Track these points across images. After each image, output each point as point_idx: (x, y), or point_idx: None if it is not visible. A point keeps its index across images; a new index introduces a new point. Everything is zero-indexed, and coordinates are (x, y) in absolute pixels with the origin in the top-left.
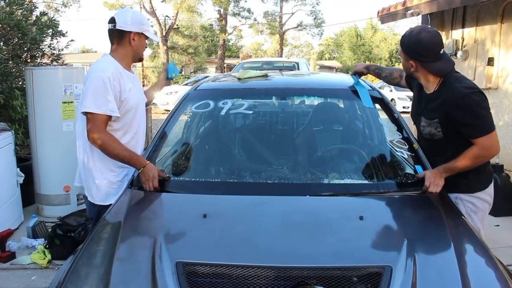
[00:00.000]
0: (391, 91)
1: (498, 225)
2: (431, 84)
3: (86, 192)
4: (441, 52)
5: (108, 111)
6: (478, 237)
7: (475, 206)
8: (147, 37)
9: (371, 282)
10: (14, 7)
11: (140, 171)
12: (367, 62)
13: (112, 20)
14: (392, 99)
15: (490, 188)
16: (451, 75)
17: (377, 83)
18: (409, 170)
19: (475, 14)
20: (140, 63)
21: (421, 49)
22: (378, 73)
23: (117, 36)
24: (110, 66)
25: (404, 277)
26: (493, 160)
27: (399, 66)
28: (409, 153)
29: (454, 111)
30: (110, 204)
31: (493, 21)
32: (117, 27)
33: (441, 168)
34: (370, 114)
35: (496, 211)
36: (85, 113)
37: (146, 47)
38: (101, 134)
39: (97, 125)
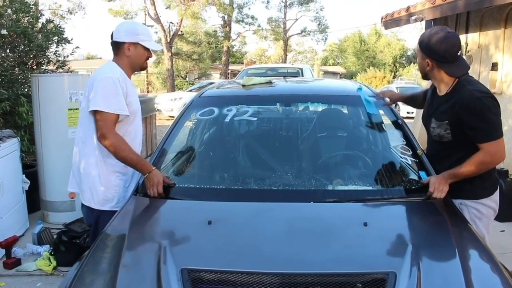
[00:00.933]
0: None
1: (503, 231)
2: (444, 86)
3: (82, 196)
4: (459, 54)
5: (118, 110)
6: (483, 243)
7: (480, 212)
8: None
9: None
10: (20, 14)
11: (145, 176)
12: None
13: (112, 34)
14: (396, 105)
15: (496, 195)
16: (465, 78)
17: (380, 88)
18: (413, 176)
19: (478, 20)
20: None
21: (439, 49)
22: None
23: (115, 47)
24: (117, 69)
25: (408, 283)
26: (498, 165)
27: (403, 71)
28: (413, 159)
29: (464, 114)
30: (108, 210)
31: (497, 26)
32: (113, 39)
33: (445, 174)
34: (374, 120)
35: (501, 216)
36: (94, 113)
37: (149, 56)
38: (112, 135)
39: (107, 125)
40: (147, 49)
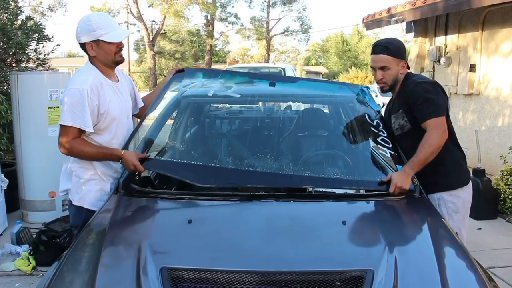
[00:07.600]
0: (376, 96)
1: (480, 229)
2: (398, 84)
3: (73, 196)
4: None
5: (83, 126)
6: (458, 240)
7: (456, 206)
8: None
9: (353, 286)
10: None
11: (121, 162)
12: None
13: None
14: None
15: (470, 187)
16: (410, 73)
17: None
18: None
19: (457, 22)
20: (126, 68)
21: (404, 48)
22: None
23: (83, 49)
24: (89, 77)
25: (385, 280)
26: (475, 165)
27: None
28: (392, 158)
29: (409, 98)
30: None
31: (475, 28)
32: (78, 41)
33: (405, 166)
34: (354, 120)
35: (478, 214)
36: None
37: (120, 47)
38: (72, 143)
39: (68, 138)
40: (112, 42)
